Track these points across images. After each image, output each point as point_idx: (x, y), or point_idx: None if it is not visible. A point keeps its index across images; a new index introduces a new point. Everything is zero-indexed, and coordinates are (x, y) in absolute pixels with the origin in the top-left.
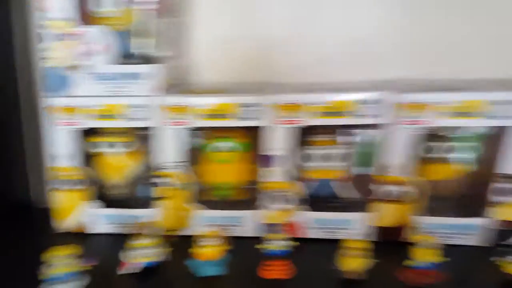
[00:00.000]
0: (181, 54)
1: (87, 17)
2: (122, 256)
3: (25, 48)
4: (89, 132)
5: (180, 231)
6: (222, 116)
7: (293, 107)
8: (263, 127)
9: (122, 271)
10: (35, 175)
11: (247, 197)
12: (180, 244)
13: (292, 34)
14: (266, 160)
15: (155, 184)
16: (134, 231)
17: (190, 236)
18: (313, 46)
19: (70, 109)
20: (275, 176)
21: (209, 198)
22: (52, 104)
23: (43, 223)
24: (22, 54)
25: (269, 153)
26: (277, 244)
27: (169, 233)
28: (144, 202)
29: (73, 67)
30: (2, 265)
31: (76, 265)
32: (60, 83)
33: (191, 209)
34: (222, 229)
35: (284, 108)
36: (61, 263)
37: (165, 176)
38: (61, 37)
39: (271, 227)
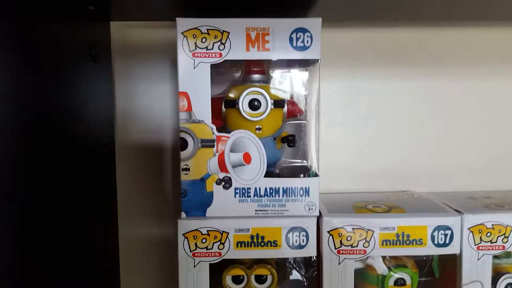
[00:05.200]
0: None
1: (230, 121)
2: None
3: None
4: (222, 265)
5: None
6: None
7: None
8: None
9: None
10: None
11: None
12: None
13: None
14: None
15: None
16: None
17: None
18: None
19: (214, 234)
20: None
21: None
22: (189, 228)
23: None
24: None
25: None
26: None
27: None
28: None
29: (221, 181)
30: None
31: None
32: (201, 200)
33: None
34: None
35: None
36: None
37: None
38: (204, 143)
39: None
